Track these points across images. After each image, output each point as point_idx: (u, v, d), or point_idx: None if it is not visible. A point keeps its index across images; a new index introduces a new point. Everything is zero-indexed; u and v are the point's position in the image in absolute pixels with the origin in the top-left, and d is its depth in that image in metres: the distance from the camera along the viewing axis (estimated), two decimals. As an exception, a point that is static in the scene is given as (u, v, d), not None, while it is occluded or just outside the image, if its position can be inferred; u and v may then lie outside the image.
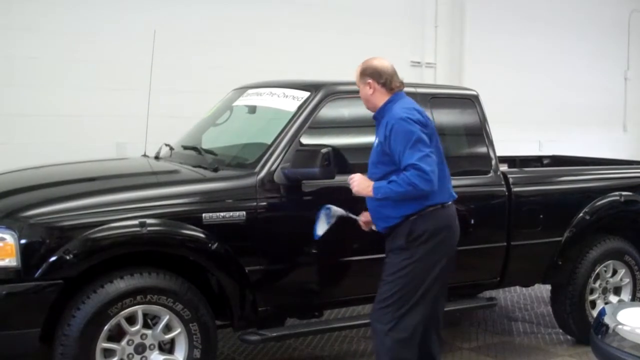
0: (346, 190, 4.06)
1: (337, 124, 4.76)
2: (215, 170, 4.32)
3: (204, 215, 4.00)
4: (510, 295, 7.10)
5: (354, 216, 4.19)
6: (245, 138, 5.04)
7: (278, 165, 4.27)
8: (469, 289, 5.21)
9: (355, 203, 4.14)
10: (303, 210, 4.37)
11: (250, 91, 5.11)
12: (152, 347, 3.91)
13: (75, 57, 6.86)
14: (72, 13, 6.87)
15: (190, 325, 3.95)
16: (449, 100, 5.15)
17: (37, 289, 3.61)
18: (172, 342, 3.98)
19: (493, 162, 5.10)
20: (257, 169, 4.25)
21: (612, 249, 5.53)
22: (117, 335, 3.83)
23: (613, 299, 5.63)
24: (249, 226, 4.13)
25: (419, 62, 9.48)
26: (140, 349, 3.88)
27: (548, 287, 5.79)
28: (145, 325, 3.89)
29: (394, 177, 3.79)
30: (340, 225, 4.46)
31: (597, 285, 5.55)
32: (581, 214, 5.34)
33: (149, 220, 3.84)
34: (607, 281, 5.61)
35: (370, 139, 4.20)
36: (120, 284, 3.76)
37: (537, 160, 7.27)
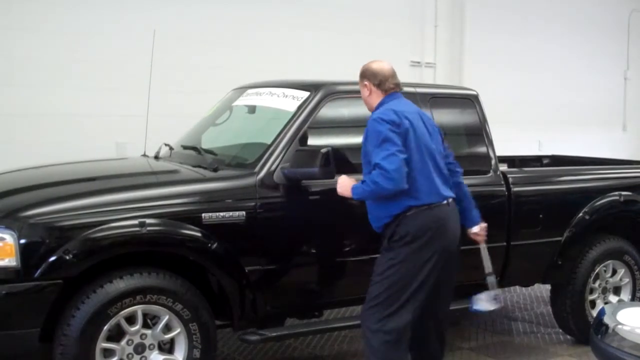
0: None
1: (336, 124, 4.76)
2: (215, 170, 4.32)
3: (203, 215, 4.00)
4: (510, 295, 7.10)
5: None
6: (244, 138, 5.04)
7: (278, 165, 4.27)
8: (468, 289, 5.20)
9: (353, 205, 4.14)
10: (303, 210, 4.39)
11: (250, 91, 5.12)
12: (151, 347, 3.91)
13: (75, 57, 6.86)
14: (72, 13, 6.87)
15: (190, 325, 3.95)
16: (448, 100, 5.15)
17: (36, 289, 3.62)
18: (171, 342, 3.98)
19: (493, 161, 5.10)
20: (256, 169, 4.25)
21: (612, 248, 5.53)
22: (116, 335, 3.83)
23: (613, 298, 5.63)
24: (248, 226, 4.13)
25: (418, 62, 9.50)
26: (140, 348, 3.88)
27: (548, 287, 5.79)
28: (145, 325, 3.89)
29: (365, 177, 3.87)
30: (339, 225, 4.48)
31: (596, 285, 5.55)
32: (581, 214, 5.35)
33: (148, 220, 3.84)
34: (607, 281, 5.61)
35: (369, 139, 4.20)
36: (120, 284, 3.76)
37: (536, 160, 7.27)
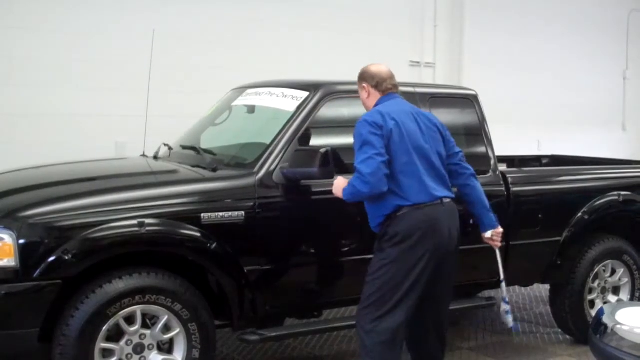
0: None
1: (336, 124, 4.76)
2: (214, 170, 4.32)
3: (202, 215, 4.01)
4: (509, 295, 7.10)
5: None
6: (244, 138, 5.04)
7: (277, 165, 4.27)
8: (468, 289, 5.21)
9: (352, 205, 4.15)
10: (302, 210, 4.39)
11: (249, 91, 5.12)
12: (150, 347, 3.91)
13: (75, 57, 6.87)
14: (72, 13, 6.88)
15: (189, 325, 3.95)
16: (448, 100, 5.15)
17: (35, 289, 3.62)
18: (171, 342, 3.98)
19: (492, 161, 5.11)
20: (256, 169, 4.25)
21: (611, 248, 5.53)
22: (115, 335, 3.83)
23: (612, 298, 5.63)
24: (248, 226, 4.13)
25: (418, 62, 9.50)
26: (139, 349, 3.88)
27: (547, 286, 5.79)
28: (144, 326, 3.89)
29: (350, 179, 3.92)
30: (339, 225, 4.48)
31: (596, 285, 5.55)
32: (580, 214, 5.35)
33: (147, 220, 3.84)
34: (606, 281, 5.62)
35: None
36: (119, 284, 3.76)
37: (536, 160, 7.27)
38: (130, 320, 3.84)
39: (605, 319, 3.63)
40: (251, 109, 5.04)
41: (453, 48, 9.79)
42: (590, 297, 5.52)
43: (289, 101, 4.60)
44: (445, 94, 5.20)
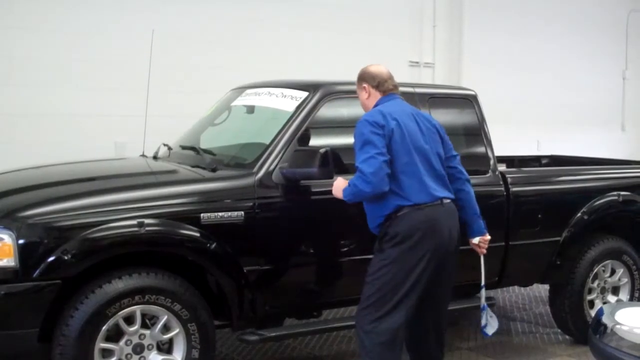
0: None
1: (335, 124, 4.77)
2: (214, 170, 4.32)
3: (202, 215, 4.01)
4: (509, 295, 7.11)
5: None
6: (243, 138, 5.04)
7: (276, 165, 4.27)
8: (468, 289, 5.20)
9: (352, 205, 4.15)
10: (301, 210, 4.39)
11: (248, 91, 5.12)
12: (150, 347, 3.91)
13: (75, 57, 6.87)
14: (72, 13, 6.89)
15: (189, 325, 3.95)
16: (447, 100, 5.15)
17: (35, 289, 3.62)
18: (170, 342, 3.98)
19: (491, 161, 5.11)
20: (255, 169, 4.25)
21: (611, 248, 5.54)
22: (115, 335, 3.83)
23: (611, 298, 5.63)
24: (247, 226, 4.13)
25: (417, 62, 9.50)
26: (139, 349, 3.88)
27: (546, 287, 5.80)
28: (144, 326, 3.89)
29: (350, 179, 3.91)
30: (338, 225, 4.48)
31: (595, 285, 5.56)
32: (579, 214, 5.35)
33: (147, 220, 3.84)
34: (606, 281, 5.62)
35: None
36: (119, 284, 3.76)
37: (535, 160, 7.27)
38: (129, 320, 3.84)
39: (605, 319, 3.63)
40: (250, 109, 5.04)
41: (452, 48, 9.80)
42: (589, 297, 5.52)
43: (288, 101, 4.60)
44: (445, 94, 5.20)
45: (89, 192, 4.13)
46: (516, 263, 5.16)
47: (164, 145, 5.13)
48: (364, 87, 4.14)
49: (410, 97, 4.56)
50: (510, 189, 5.07)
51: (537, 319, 6.34)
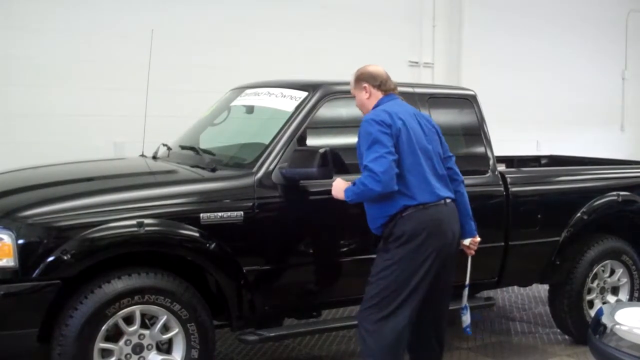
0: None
1: (335, 124, 4.77)
2: (213, 170, 4.32)
3: (201, 215, 4.01)
4: (508, 295, 7.11)
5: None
6: (243, 138, 5.04)
7: (276, 165, 4.27)
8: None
9: (351, 205, 4.15)
10: (301, 210, 4.39)
11: (248, 91, 5.12)
12: (149, 347, 3.91)
13: (74, 57, 6.87)
14: (72, 13, 6.88)
15: (188, 325, 3.95)
16: (446, 100, 5.15)
17: (34, 289, 3.62)
18: (169, 342, 3.98)
19: (491, 162, 5.11)
20: (254, 169, 4.25)
21: (610, 248, 5.54)
22: (114, 335, 3.84)
23: (611, 298, 5.64)
24: (246, 226, 4.13)
25: (416, 62, 9.50)
26: (138, 349, 3.88)
27: (546, 287, 5.80)
28: (143, 326, 3.90)
29: (356, 179, 3.88)
30: (337, 225, 4.48)
31: (594, 285, 5.56)
32: (579, 214, 5.35)
33: (146, 221, 3.84)
34: (605, 281, 5.62)
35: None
36: (118, 284, 3.76)
37: (535, 160, 7.27)
38: (129, 320, 3.84)
39: (605, 319, 3.64)
40: (250, 109, 5.04)
41: (452, 48, 9.79)
42: (589, 297, 5.52)
43: (288, 101, 4.60)
44: (444, 94, 5.20)
45: (89, 192, 4.13)
46: (515, 263, 5.16)
47: (164, 145, 5.13)
48: (364, 87, 4.12)
49: (409, 97, 4.56)
50: (510, 189, 5.07)
51: (536, 319, 6.34)
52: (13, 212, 3.74)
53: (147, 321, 3.92)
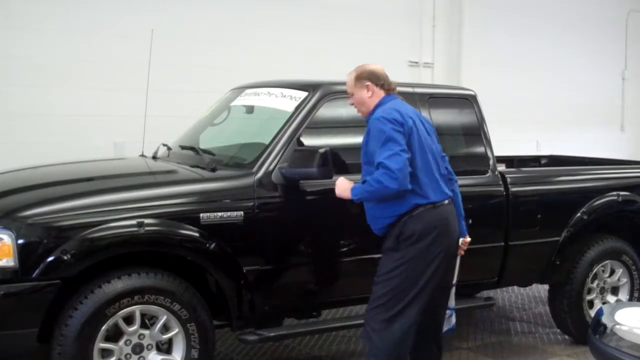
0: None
1: (334, 124, 4.76)
2: (213, 170, 4.32)
3: (201, 215, 4.01)
4: (508, 295, 7.11)
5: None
6: (243, 138, 5.04)
7: (276, 165, 4.27)
8: (467, 289, 5.21)
9: (352, 205, 4.15)
10: (301, 210, 4.39)
11: (248, 91, 5.12)
12: (149, 347, 3.91)
13: (74, 57, 6.87)
14: (72, 13, 6.88)
15: (188, 325, 3.95)
16: (446, 100, 5.16)
17: (34, 289, 3.62)
18: (169, 342, 3.98)
19: (491, 161, 5.11)
20: (254, 169, 4.25)
21: (610, 248, 5.54)
22: (114, 335, 3.84)
23: (611, 298, 5.64)
24: (246, 226, 4.13)
25: (416, 62, 9.50)
26: (138, 349, 3.88)
27: (546, 287, 5.80)
28: (143, 326, 3.90)
29: (367, 177, 3.86)
30: (337, 225, 4.48)
31: (594, 285, 5.56)
32: (579, 214, 5.35)
33: (146, 220, 3.84)
34: (605, 281, 5.62)
35: (367, 139, 4.20)
36: (118, 284, 3.76)
37: (535, 160, 7.27)
38: (129, 320, 3.84)
39: (605, 319, 3.64)
40: (250, 109, 5.04)
41: (452, 48, 9.79)
42: (589, 297, 5.52)
43: (288, 101, 4.60)
44: (444, 94, 5.20)
45: (89, 192, 4.13)
46: (515, 263, 5.16)
47: (163, 145, 5.13)
48: (367, 86, 4.08)
49: (409, 97, 4.56)
50: (510, 189, 5.07)
51: (536, 319, 6.34)
52: (13, 212, 3.74)
53: (147, 321, 3.92)
